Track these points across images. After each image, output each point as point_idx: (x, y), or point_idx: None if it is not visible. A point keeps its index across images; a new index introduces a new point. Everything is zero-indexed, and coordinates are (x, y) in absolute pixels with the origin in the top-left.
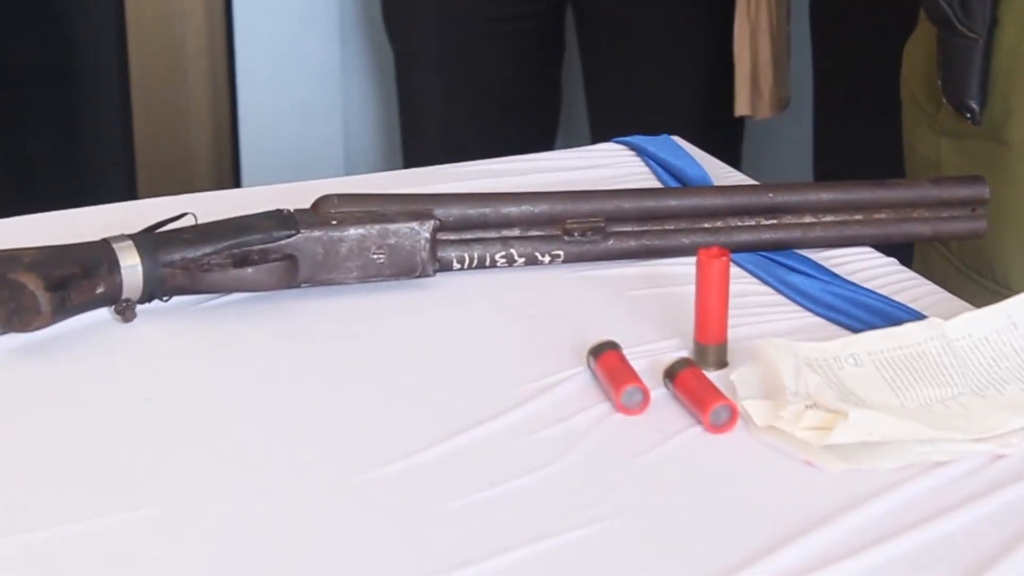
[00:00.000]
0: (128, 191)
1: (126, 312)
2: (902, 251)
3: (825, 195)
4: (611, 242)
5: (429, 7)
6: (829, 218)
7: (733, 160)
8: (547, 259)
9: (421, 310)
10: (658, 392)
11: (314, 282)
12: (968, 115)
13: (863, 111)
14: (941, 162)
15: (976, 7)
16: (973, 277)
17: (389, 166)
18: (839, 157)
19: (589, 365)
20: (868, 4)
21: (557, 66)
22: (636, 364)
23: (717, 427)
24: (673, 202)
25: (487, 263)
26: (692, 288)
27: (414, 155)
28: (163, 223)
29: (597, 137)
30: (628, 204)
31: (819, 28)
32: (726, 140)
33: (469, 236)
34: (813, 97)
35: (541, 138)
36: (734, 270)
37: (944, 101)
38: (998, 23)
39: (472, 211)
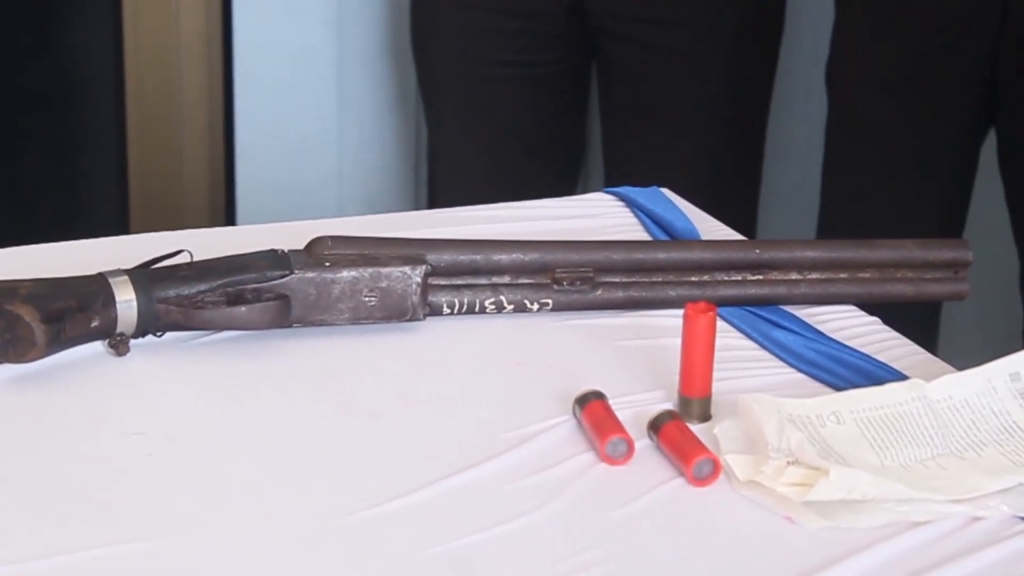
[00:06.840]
0: (120, 221)
1: (120, 346)
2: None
3: (811, 252)
4: (599, 292)
5: (450, 50)
6: (814, 275)
7: (749, 215)
8: (536, 307)
9: (410, 353)
10: (642, 443)
11: (306, 322)
12: None
13: (871, 169)
14: None
15: None
16: None
17: (384, 203)
18: (845, 218)
19: (575, 414)
20: (878, 62)
21: (581, 111)
22: (621, 415)
23: (699, 480)
24: (661, 255)
25: (476, 309)
26: (678, 340)
27: (439, 195)
28: (159, 259)
29: (612, 186)
30: (617, 255)
31: (833, 83)
32: (743, 194)
33: (460, 282)
34: (824, 155)
35: (563, 181)
36: (719, 324)
37: None
38: None
39: (463, 257)
